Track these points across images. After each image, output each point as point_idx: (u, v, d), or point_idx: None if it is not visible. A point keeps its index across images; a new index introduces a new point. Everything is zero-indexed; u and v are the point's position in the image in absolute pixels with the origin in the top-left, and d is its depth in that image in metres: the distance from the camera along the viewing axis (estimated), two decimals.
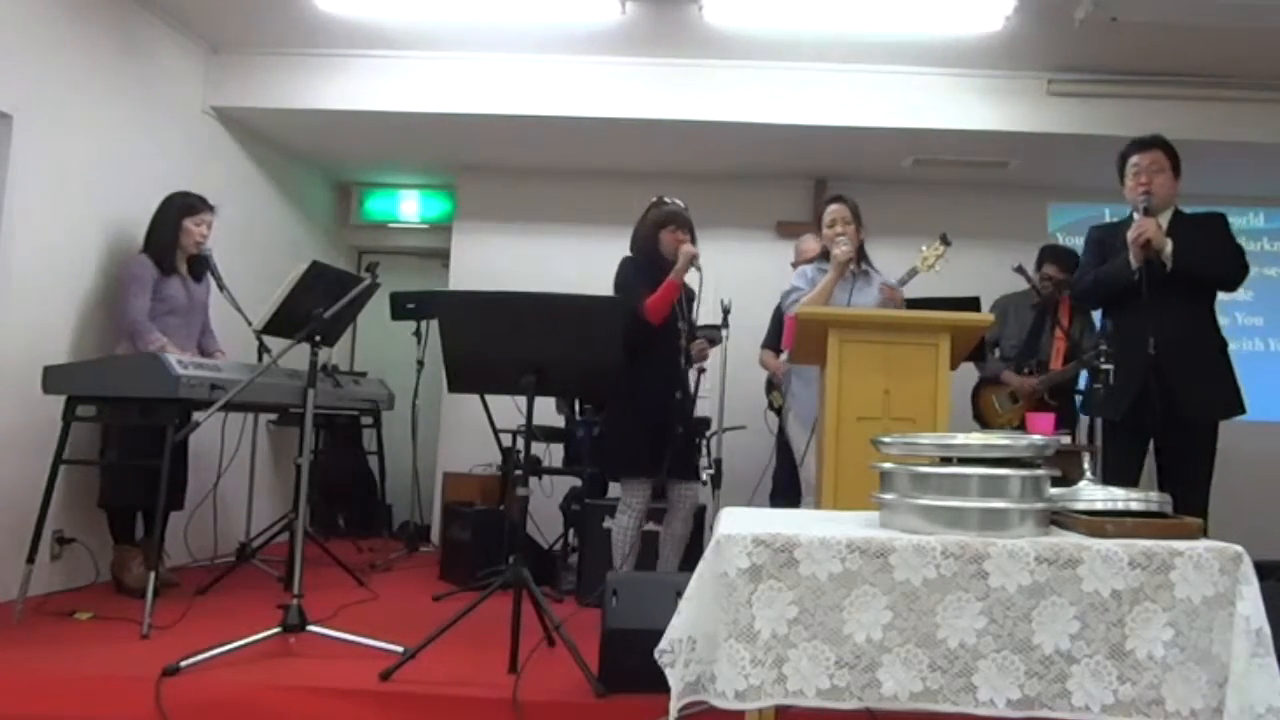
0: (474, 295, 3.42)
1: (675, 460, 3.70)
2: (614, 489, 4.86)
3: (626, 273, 3.85)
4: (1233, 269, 3.48)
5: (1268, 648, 1.75)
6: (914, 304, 3.85)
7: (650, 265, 3.80)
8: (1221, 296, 3.60)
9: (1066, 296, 4.63)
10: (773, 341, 4.87)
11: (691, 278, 3.83)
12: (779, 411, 4.83)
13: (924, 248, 3.68)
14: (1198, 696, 1.76)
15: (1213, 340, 3.49)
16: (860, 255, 3.78)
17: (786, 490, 4.71)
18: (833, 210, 3.76)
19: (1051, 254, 4.79)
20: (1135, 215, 3.44)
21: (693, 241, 3.84)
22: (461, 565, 4.53)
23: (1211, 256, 3.41)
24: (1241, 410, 3.49)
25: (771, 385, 4.87)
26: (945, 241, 3.66)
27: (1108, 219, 3.61)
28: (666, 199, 3.91)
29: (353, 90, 5.02)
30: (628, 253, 3.92)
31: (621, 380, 3.88)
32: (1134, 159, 3.51)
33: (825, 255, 3.82)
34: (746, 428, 4.79)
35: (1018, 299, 4.77)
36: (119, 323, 4.03)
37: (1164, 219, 3.46)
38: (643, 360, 3.72)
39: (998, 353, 4.76)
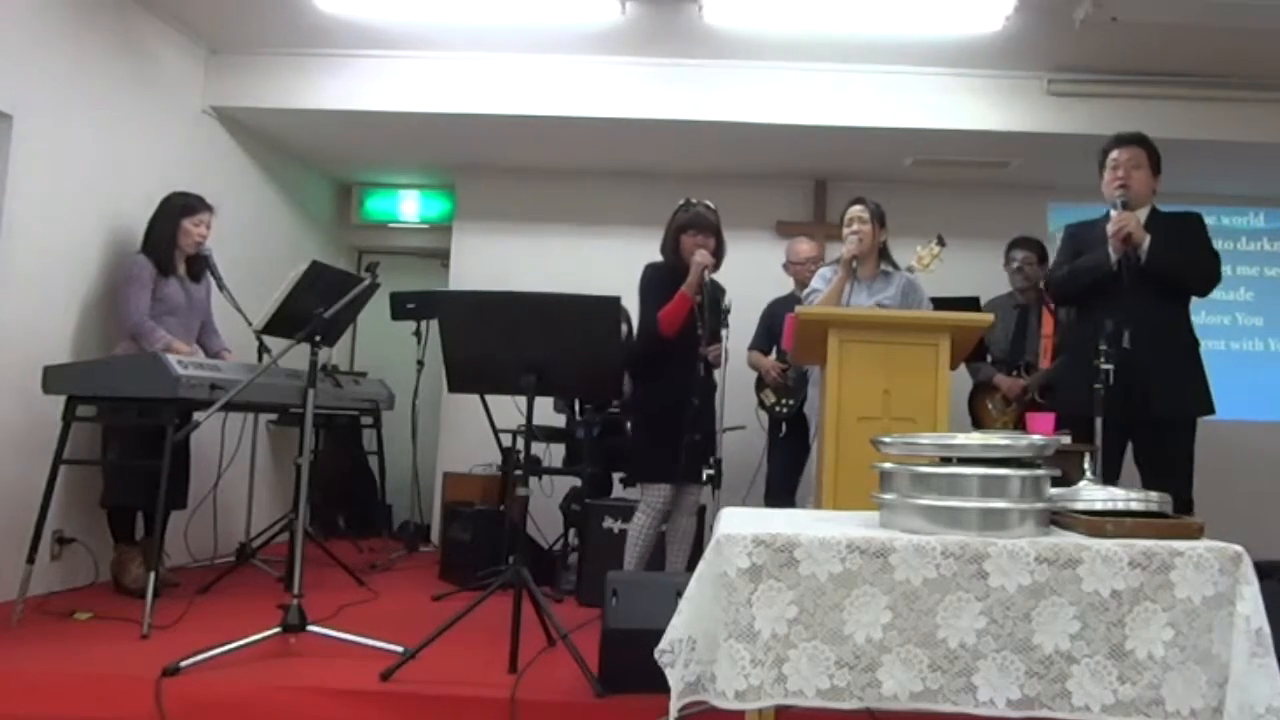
0: (474, 295, 3.43)
1: (688, 465, 3.70)
2: (615, 489, 4.87)
3: (647, 282, 3.85)
4: (1205, 276, 3.50)
5: (1267, 648, 1.75)
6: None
7: (673, 271, 3.79)
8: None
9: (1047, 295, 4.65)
10: (761, 343, 4.88)
11: (723, 281, 3.85)
12: (769, 410, 4.82)
13: (919, 248, 3.68)
14: (1198, 696, 1.76)
15: (1185, 338, 3.49)
16: (882, 255, 3.79)
17: (780, 492, 4.71)
18: (850, 211, 3.76)
19: (1020, 243, 4.80)
20: (1113, 211, 3.45)
21: (719, 243, 3.84)
22: (461, 565, 4.53)
23: (1186, 262, 3.42)
24: (1210, 410, 3.48)
25: (762, 384, 4.88)
26: (941, 243, 3.66)
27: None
28: (694, 200, 3.87)
29: (353, 90, 5.01)
30: (654, 254, 3.93)
31: (643, 386, 3.90)
32: (1114, 154, 3.52)
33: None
34: (746, 428, 4.79)
35: (1001, 301, 4.77)
36: (121, 323, 4.03)
37: (1140, 216, 3.46)
38: (663, 369, 3.75)
39: (989, 358, 4.76)
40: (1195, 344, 3.51)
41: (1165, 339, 3.36)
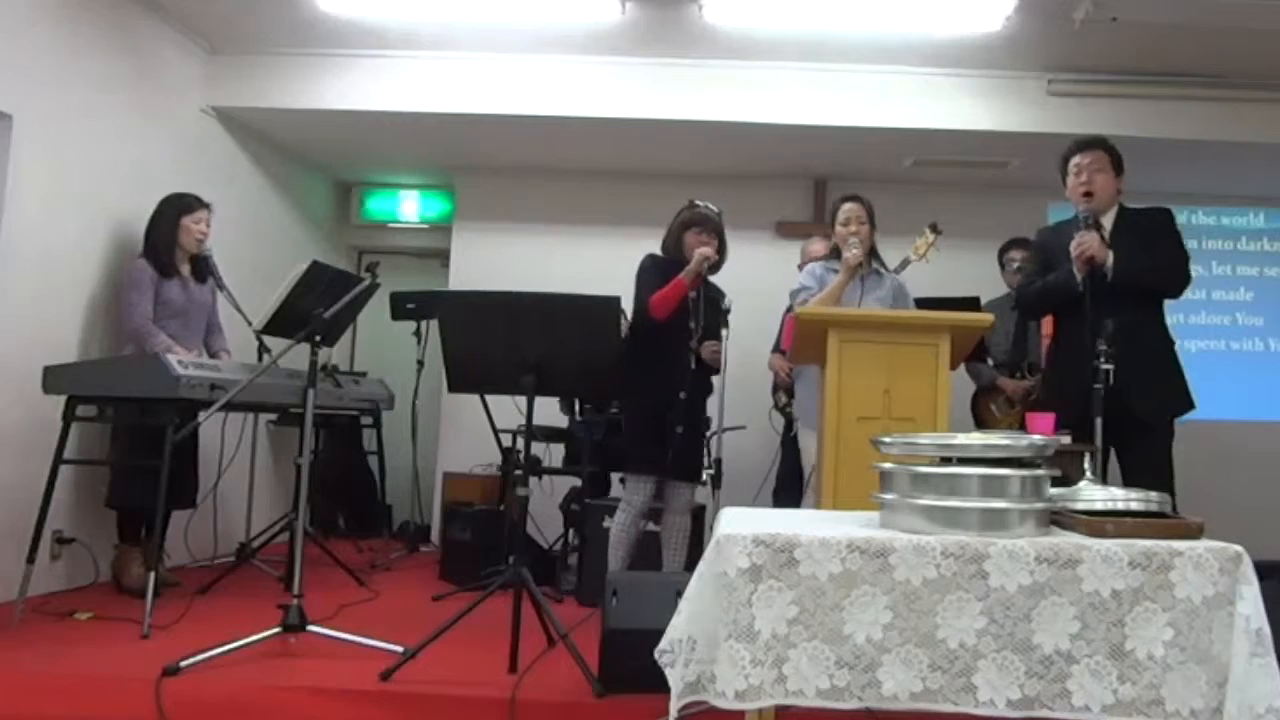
0: (474, 295, 3.43)
1: (675, 460, 3.70)
2: (615, 489, 4.87)
3: (644, 268, 3.88)
4: (1175, 279, 3.49)
5: (1268, 648, 1.74)
6: (914, 303, 3.85)
7: (673, 265, 3.80)
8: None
9: None
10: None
11: (723, 282, 3.85)
12: (784, 411, 4.84)
13: (917, 238, 3.68)
14: (1198, 696, 1.76)
15: (1160, 340, 3.49)
16: (872, 254, 3.78)
17: (789, 489, 4.71)
18: (848, 209, 3.74)
19: (1015, 244, 4.79)
20: (1079, 220, 3.44)
21: (722, 246, 3.85)
22: (461, 565, 4.53)
23: (1154, 266, 3.41)
24: (1191, 407, 3.48)
25: (777, 386, 4.89)
26: (936, 230, 3.66)
27: None
28: (699, 202, 3.90)
29: (353, 90, 5.01)
30: (656, 251, 3.93)
31: (631, 377, 3.91)
32: (1075, 159, 3.53)
33: (836, 253, 3.79)
34: (746, 428, 4.78)
35: (1000, 302, 4.76)
36: (123, 327, 4.03)
37: (1108, 219, 3.47)
38: (650, 357, 3.74)
39: (990, 360, 4.76)
40: (1170, 344, 3.50)
41: (1139, 345, 3.34)
